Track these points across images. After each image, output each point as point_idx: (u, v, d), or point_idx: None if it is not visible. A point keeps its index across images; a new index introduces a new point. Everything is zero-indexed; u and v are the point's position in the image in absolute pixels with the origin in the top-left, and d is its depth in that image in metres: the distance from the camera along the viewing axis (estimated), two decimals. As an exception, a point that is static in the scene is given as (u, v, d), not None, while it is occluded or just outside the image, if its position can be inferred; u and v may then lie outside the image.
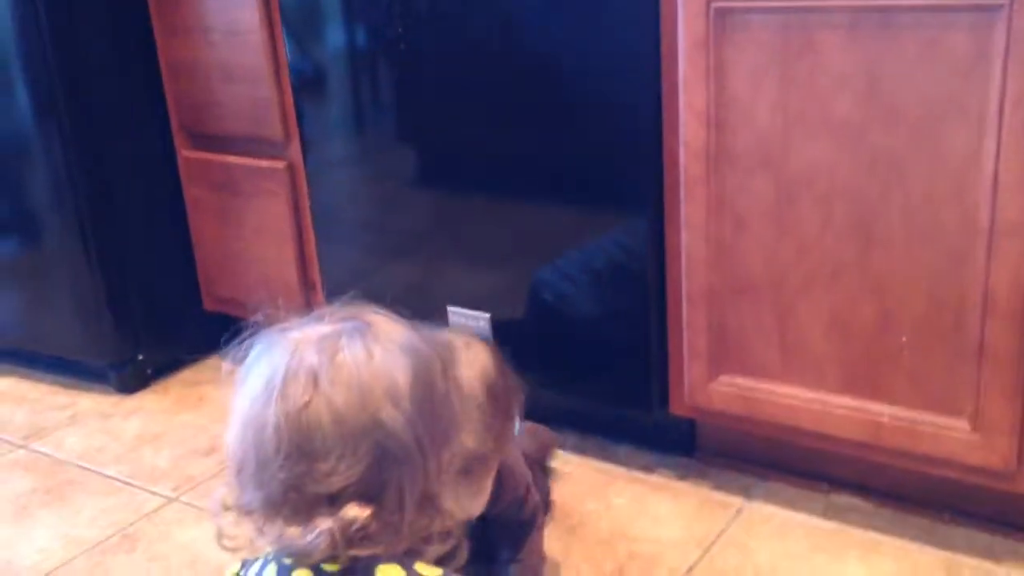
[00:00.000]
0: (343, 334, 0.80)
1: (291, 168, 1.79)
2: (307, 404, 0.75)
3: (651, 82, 1.38)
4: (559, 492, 1.56)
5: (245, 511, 0.79)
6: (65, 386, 2.06)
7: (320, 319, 0.83)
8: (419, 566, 0.81)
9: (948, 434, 1.30)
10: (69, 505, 1.65)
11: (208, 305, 2.02)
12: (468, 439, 0.99)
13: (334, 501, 0.76)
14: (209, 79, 1.82)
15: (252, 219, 1.88)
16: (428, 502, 0.80)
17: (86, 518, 1.60)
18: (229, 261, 1.96)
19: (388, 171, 1.69)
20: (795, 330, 1.38)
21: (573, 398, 1.67)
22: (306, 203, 1.80)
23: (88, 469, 1.75)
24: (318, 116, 1.74)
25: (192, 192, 1.95)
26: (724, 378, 1.47)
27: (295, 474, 0.75)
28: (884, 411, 1.35)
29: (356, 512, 0.75)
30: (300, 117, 1.74)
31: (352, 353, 0.78)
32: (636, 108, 1.41)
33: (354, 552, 0.77)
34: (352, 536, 0.76)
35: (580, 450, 1.68)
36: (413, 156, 1.68)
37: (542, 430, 1.57)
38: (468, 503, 1.11)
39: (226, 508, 0.81)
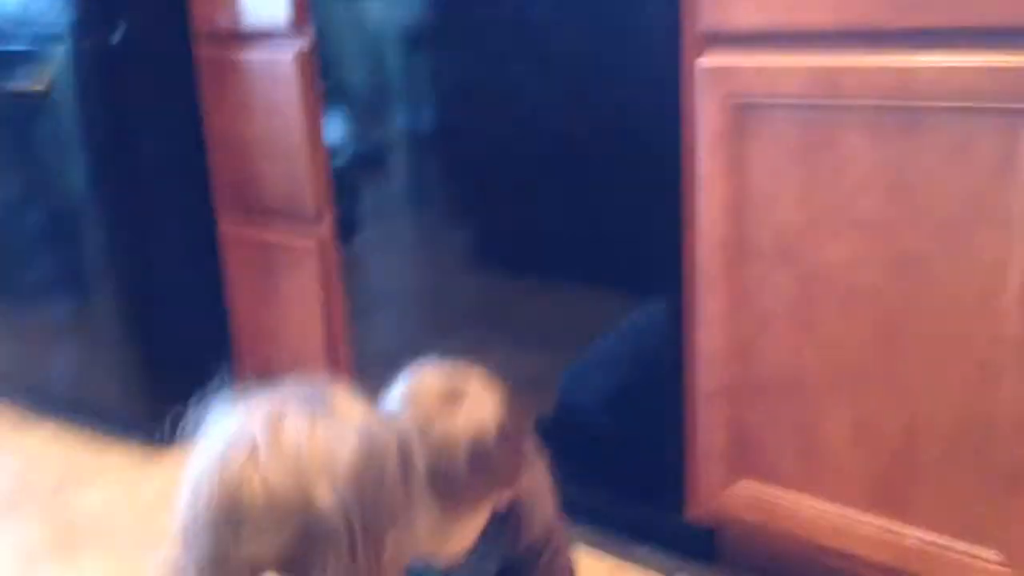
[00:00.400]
0: (293, 407, 0.79)
1: (322, 245, 1.80)
2: (241, 473, 0.75)
3: (672, 174, 1.35)
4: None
5: (180, 573, 0.77)
6: (100, 440, 2.08)
7: (282, 390, 0.82)
8: None
9: (977, 564, 1.21)
10: (74, 564, 1.65)
11: (241, 375, 2.02)
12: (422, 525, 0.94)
13: (257, 571, 0.74)
14: (250, 154, 1.85)
15: (284, 293, 1.88)
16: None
17: (87, 580, 1.60)
18: (262, 333, 1.96)
19: (423, 252, 1.68)
20: (818, 436, 1.31)
21: (592, 492, 1.61)
22: (336, 280, 1.80)
23: (102, 528, 1.75)
24: (355, 195, 1.74)
25: (230, 264, 1.97)
26: (743, 483, 1.40)
27: (221, 540, 0.75)
28: (911, 533, 1.26)
29: None
30: (338, 195, 1.75)
31: (296, 427, 0.78)
32: (657, 200, 1.38)
33: None
34: None
35: (598, 546, 1.61)
36: (448, 238, 1.66)
37: None
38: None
39: (166, 569, 0.79)
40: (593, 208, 1.44)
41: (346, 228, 1.76)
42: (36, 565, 1.65)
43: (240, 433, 0.77)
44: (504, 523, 1.19)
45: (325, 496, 0.75)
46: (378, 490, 0.79)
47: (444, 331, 1.67)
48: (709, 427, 1.40)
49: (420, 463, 0.86)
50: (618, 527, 1.63)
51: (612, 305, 1.47)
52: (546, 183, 1.48)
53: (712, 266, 1.34)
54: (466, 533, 1.10)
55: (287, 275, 1.87)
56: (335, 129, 1.72)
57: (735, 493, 1.40)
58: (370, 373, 1.75)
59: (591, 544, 1.61)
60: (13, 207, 2.05)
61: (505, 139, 1.51)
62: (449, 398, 1.07)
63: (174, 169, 1.94)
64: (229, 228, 1.95)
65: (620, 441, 1.53)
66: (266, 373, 1.92)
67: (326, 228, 1.78)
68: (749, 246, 1.30)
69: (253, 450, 0.76)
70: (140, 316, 1.95)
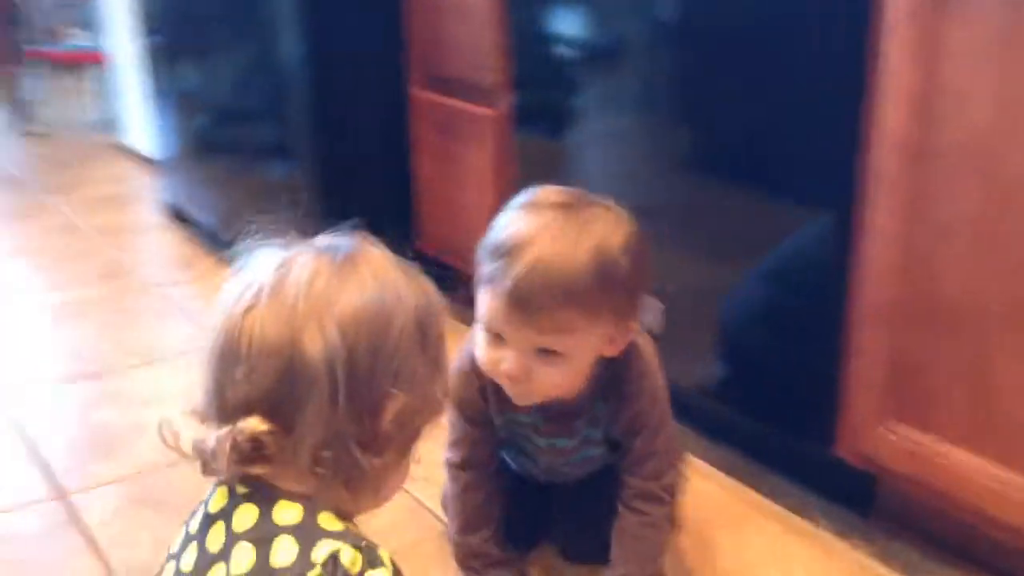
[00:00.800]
0: (309, 256, 0.78)
1: (500, 117, 1.71)
2: (244, 313, 0.75)
3: (854, 59, 1.15)
4: (695, 512, 1.37)
5: (198, 412, 0.78)
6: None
7: (316, 241, 0.81)
8: (323, 515, 0.75)
9: None
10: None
11: (420, 246, 1.99)
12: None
13: (248, 412, 0.74)
14: (443, 18, 1.78)
15: (463, 165, 1.83)
16: (339, 443, 0.74)
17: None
18: (442, 205, 1.92)
19: (594, 140, 1.57)
20: (992, 381, 1.10)
21: (741, 415, 1.47)
22: (512, 154, 1.71)
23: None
24: (536, 67, 1.65)
25: (417, 132, 1.93)
26: (895, 425, 1.21)
27: (220, 376, 0.75)
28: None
29: (254, 424, 0.73)
30: (521, 73, 1.67)
31: (300, 274, 0.76)
32: (834, 89, 1.19)
33: (250, 468, 0.74)
34: (244, 448, 0.73)
35: (738, 474, 1.46)
36: (621, 133, 1.54)
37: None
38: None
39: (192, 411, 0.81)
40: (773, 108, 1.27)
41: (527, 109, 1.67)
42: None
43: (254, 278, 0.77)
44: (605, 398, 1.13)
45: (312, 341, 0.73)
46: (379, 344, 0.75)
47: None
48: (867, 353, 1.22)
49: (441, 329, 0.81)
50: (766, 458, 1.48)
51: (786, 212, 1.31)
52: (726, 82, 1.33)
53: (889, 169, 1.14)
54: (583, 351, 1.04)
55: (466, 146, 1.81)
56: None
57: (884, 435, 1.21)
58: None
59: (734, 472, 1.47)
60: (239, 80, 2.12)
61: (690, 39, 1.37)
62: (568, 206, 1.02)
63: (373, 35, 1.91)
64: (419, 95, 1.91)
65: (774, 363, 1.37)
66: (445, 245, 1.91)
67: (506, 99, 1.70)
68: (933, 148, 1.09)
69: (260, 292, 0.75)
70: (325, 176, 1.96)
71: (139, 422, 1.60)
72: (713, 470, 1.48)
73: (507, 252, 0.99)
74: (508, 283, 0.98)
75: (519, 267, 0.98)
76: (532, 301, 0.98)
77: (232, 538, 0.74)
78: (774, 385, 1.38)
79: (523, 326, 1.00)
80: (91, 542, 1.32)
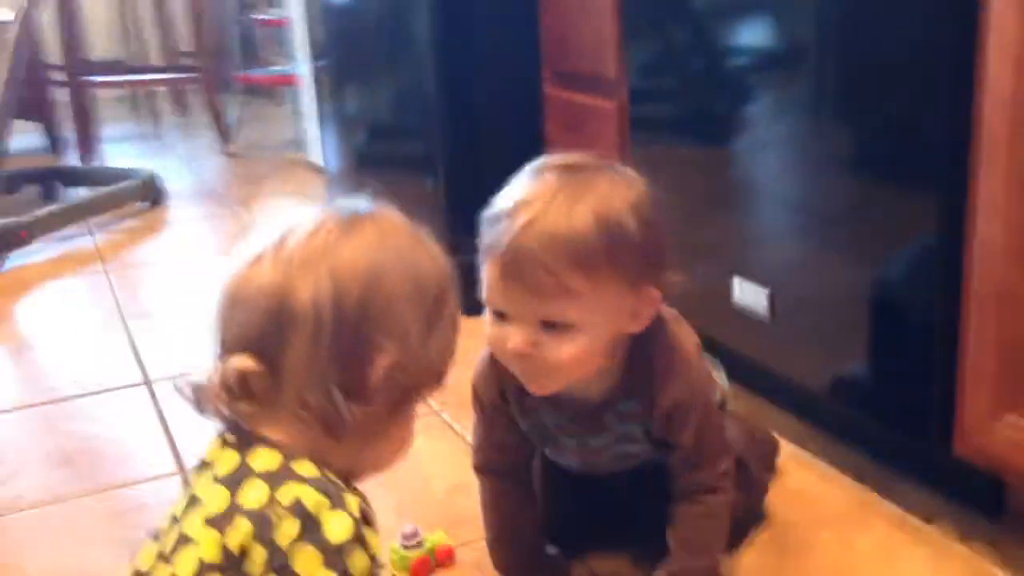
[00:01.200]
0: (319, 213, 0.81)
1: (621, 110, 1.70)
2: (250, 263, 0.79)
3: (955, 9, 1.07)
4: (798, 511, 1.30)
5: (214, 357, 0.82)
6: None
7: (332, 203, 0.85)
8: (300, 463, 0.76)
9: None
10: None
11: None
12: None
13: (239, 352, 0.77)
14: (568, 13, 1.79)
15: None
16: (321, 387, 0.76)
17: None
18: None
19: (707, 130, 1.53)
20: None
21: (854, 408, 1.38)
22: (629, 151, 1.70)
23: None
24: (652, 57, 1.63)
25: (549, 130, 1.94)
26: (1011, 418, 1.10)
27: (222, 322, 0.79)
28: None
29: (242, 361, 0.76)
30: (635, 55, 1.65)
31: (305, 228, 0.80)
32: (933, 43, 1.11)
33: (237, 406, 0.77)
34: (232, 385, 0.76)
35: (854, 472, 1.38)
36: (724, 115, 1.49)
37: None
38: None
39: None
40: (874, 72, 1.20)
41: (644, 100, 1.65)
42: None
43: (264, 233, 0.80)
44: (630, 392, 1.05)
45: (304, 286, 0.76)
46: (371, 296, 0.77)
47: (725, 208, 1.51)
48: (978, 341, 1.12)
49: (443, 295, 0.82)
50: (881, 455, 1.38)
51: (887, 185, 1.23)
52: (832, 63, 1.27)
53: (995, 131, 1.05)
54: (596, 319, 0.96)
55: (589, 141, 1.80)
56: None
57: (1001, 429, 1.11)
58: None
59: (845, 468, 1.39)
60: (387, 98, 2.21)
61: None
62: (572, 168, 0.98)
63: (509, 35, 1.95)
64: (550, 92, 1.92)
65: (882, 349, 1.28)
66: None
67: (622, 96, 1.68)
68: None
69: (264, 249, 0.79)
70: (476, 186, 1.99)
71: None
72: (823, 466, 1.40)
73: (503, 217, 0.94)
74: (502, 248, 0.92)
75: (513, 230, 0.92)
76: (528, 264, 0.91)
77: (212, 483, 0.77)
78: (887, 379, 1.29)
79: (523, 295, 0.93)
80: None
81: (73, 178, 3.37)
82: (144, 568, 0.79)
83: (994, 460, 1.15)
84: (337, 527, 0.73)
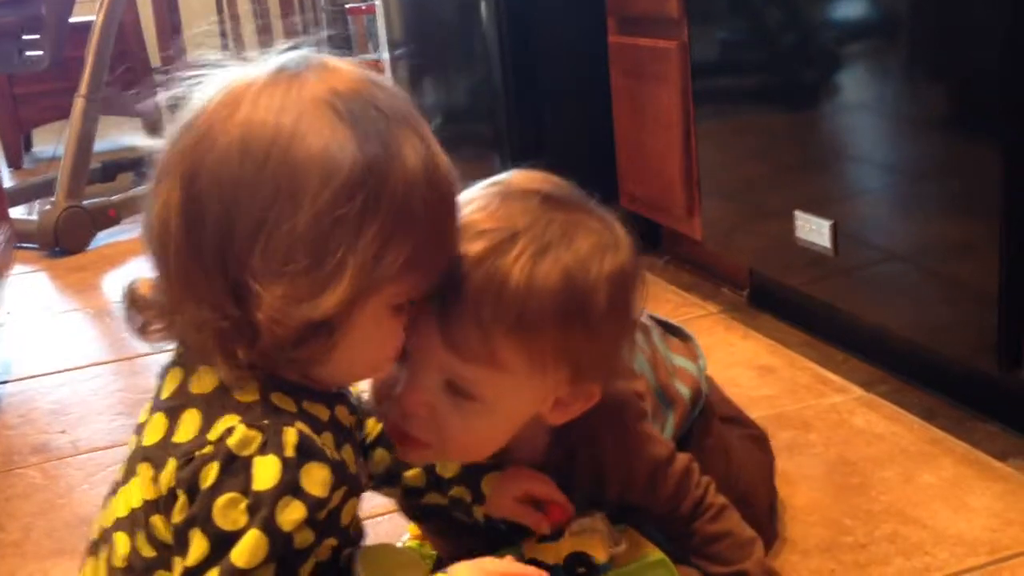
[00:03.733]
0: (245, 74, 0.66)
1: (683, 49, 1.63)
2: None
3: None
4: (856, 448, 1.22)
5: None
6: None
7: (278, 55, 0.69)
8: (201, 369, 0.67)
9: None
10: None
11: (623, 203, 1.94)
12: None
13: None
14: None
15: (650, 106, 1.76)
16: (193, 324, 0.63)
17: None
18: (636, 154, 1.86)
19: (771, 72, 1.46)
20: None
21: (924, 346, 1.29)
22: (691, 100, 1.63)
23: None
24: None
25: (615, 80, 1.88)
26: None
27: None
28: None
29: (140, 277, 0.68)
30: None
31: (211, 98, 0.65)
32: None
33: (141, 316, 0.68)
34: (135, 297, 0.68)
35: (924, 413, 1.29)
36: (787, 59, 1.42)
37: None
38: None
39: None
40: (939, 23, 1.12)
41: (705, 39, 1.59)
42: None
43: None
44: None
45: (168, 188, 0.64)
46: (235, 205, 0.62)
47: (788, 144, 1.44)
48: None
49: (370, 208, 0.63)
50: (954, 393, 1.29)
51: (950, 119, 1.15)
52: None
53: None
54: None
55: (652, 86, 1.74)
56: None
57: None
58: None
59: (902, 403, 1.31)
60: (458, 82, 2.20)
61: None
62: (557, 202, 0.78)
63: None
64: (615, 40, 1.86)
65: (947, 276, 1.19)
66: (642, 198, 1.84)
67: (683, 35, 1.62)
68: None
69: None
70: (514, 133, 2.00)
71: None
72: (893, 407, 1.31)
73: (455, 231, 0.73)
74: (438, 273, 0.71)
75: (463, 264, 0.72)
76: (460, 309, 0.72)
77: (154, 406, 0.69)
78: (956, 313, 1.20)
79: (443, 344, 0.74)
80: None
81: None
82: (106, 499, 0.72)
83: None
84: (263, 472, 0.62)
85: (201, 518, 0.62)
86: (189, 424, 0.66)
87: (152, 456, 0.66)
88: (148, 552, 0.66)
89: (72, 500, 1.31)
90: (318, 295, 0.62)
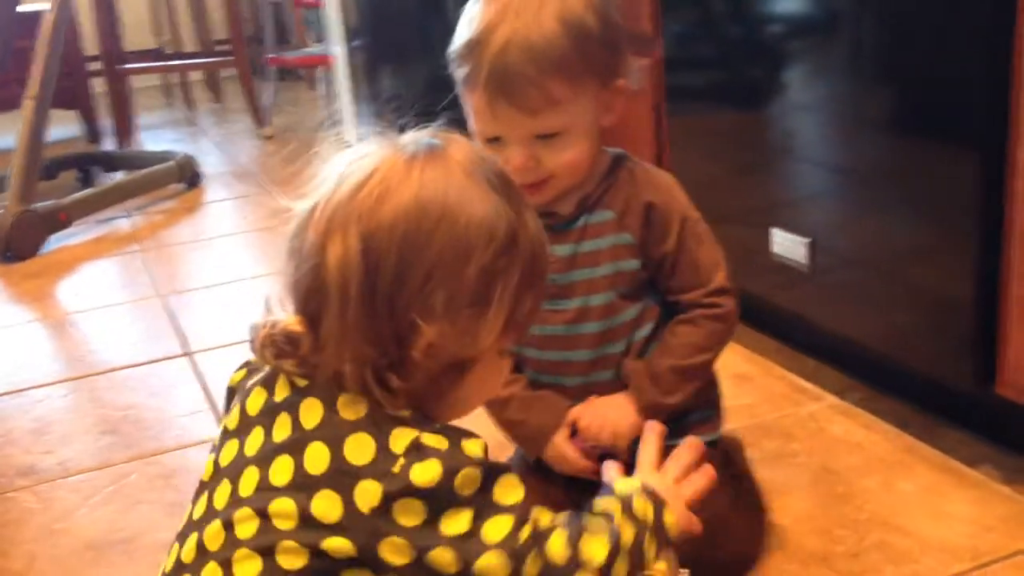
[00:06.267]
0: (379, 153, 0.75)
1: (656, 65, 1.68)
2: (309, 212, 0.74)
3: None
4: (842, 459, 1.29)
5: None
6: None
7: (400, 137, 0.78)
8: (345, 397, 0.72)
9: None
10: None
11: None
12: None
13: (292, 307, 0.75)
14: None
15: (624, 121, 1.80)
16: (358, 362, 0.70)
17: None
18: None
19: (745, 89, 1.52)
20: None
21: (896, 356, 1.36)
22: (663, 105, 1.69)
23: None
24: (688, 14, 1.61)
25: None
26: (1055, 353, 1.09)
27: (284, 268, 0.76)
28: None
29: (289, 322, 0.74)
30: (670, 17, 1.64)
31: (356, 175, 0.73)
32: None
33: (283, 363, 0.74)
34: (279, 342, 0.73)
35: (897, 420, 1.37)
36: (760, 76, 1.48)
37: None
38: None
39: None
40: (914, 31, 1.18)
41: (680, 56, 1.64)
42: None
43: (325, 176, 0.76)
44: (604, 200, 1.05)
45: (334, 251, 0.71)
46: (408, 265, 0.70)
47: (763, 161, 1.50)
48: (1021, 286, 1.10)
49: (508, 264, 0.73)
50: (923, 402, 1.37)
51: (924, 135, 1.21)
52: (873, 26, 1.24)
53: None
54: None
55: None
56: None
57: (1045, 365, 1.10)
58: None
59: (887, 416, 1.38)
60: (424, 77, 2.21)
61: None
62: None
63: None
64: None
65: (920, 294, 1.27)
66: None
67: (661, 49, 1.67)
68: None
69: (319, 196, 0.74)
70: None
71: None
72: (866, 416, 1.39)
73: (475, 44, 0.97)
74: (484, 73, 0.95)
75: (490, 53, 0.95)
76: (513, 83, 0.95)
77: (303, 435, 0.72)
78: (930, 325, 1.27)
79: (512, 114, 0.97)
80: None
81: (110, 162, 3.41)
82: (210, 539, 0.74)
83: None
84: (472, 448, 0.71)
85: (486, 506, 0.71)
86: (362, 447, 0.70)
87: (323, 483, 0.70)
88: (293, 565, 0.70)
89: (73, 525, 1.32)
90: (475, 336, 0.73)
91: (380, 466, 0.69)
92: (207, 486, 0.77)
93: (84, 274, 2.47)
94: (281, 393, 0.75)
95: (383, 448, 0.70)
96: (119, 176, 3.24)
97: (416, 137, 0.77)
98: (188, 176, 3.17)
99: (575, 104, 0.98)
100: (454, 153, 0.75)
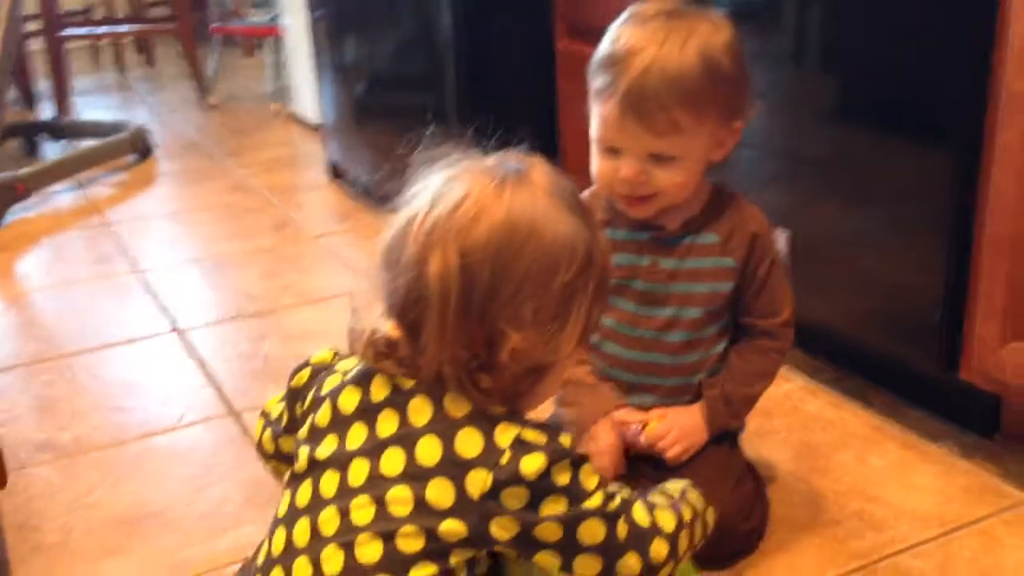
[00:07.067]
0: (471, 175, 0.82)
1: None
2: (405, 225, 0.82)
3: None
4: (816, 435, 1.43)
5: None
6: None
7: (486, 159, 0.86)
8: (450, 396, 0.82)
9: None
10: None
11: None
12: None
13: (391, 316, 0.83)
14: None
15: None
16: (454, 363, 0.79)
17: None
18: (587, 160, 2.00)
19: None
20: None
21: (863, 340, 1.51)
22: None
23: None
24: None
25: (563, 85, 2.02)
26: (1018, 344, 1.23)
27: (383, 279, 0.83)
28: None
29: (389, 329, 0.82)
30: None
31: (452, 195, 0.81)
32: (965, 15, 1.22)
33: (382, 365, 0.83)
34: (380, 346, 0.82)
35: (863, 399, 1.51)
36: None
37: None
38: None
39: None
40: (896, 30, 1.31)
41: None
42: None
43: (421, 192, 0.83)
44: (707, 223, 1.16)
45: (434, 264, 0.78)
46: (500, 279, 0.79)
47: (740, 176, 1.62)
48: (989, 279, 1.25)
49: (586, 280, 0.82)
50: (892, 385, 1.52)
51: (904, 132, 1.34)
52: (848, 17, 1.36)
53: (1014, 87, 1.16)
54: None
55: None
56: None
57: (1008, 355, 1.24)
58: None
59: (856, 396, 1.52)
60: (393, 48, 2.27)
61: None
62: (672, 14, 1.08)
63: None
64: (566, 46, 1.99)
65: (893, 286, 1.40)
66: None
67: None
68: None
69: (416, 213, 0.81)
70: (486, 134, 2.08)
71: (298, 353, 1.77)
72: (836, 395, 1.53)
73: (618, 61, 1.05)
74: (622, 89, 1.04)
75: (632, 72, 1.04)
76: (646, 103, 1.04)
77: (412, 430, 0.81)
78: (897, 311, 1.41)
79: (637, 131, 1.06)
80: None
81: (59, 131, 3.38)
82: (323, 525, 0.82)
83: (998, 383, 1.29)
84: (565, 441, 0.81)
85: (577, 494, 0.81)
86: (471, 440, 0.80)
87: (436, 473, 0.79)
88: (412, 548, 0.79)
89: (102, 500, 1.38)
90: (558, 342, 0.81)
91: (489, 458, 0.79)
92: (306, 476, 0.85)
93: (48, 249, 2.48)
94: (380, 392, 0.84)
95: (490, 442, 0.79)
96: (69, 146, 3.22)
97: (502, 160, 0.85)
98: (141, 147, 3.17)
99: (695, 134, 1.07)
100: (536, 177, 0.83)
